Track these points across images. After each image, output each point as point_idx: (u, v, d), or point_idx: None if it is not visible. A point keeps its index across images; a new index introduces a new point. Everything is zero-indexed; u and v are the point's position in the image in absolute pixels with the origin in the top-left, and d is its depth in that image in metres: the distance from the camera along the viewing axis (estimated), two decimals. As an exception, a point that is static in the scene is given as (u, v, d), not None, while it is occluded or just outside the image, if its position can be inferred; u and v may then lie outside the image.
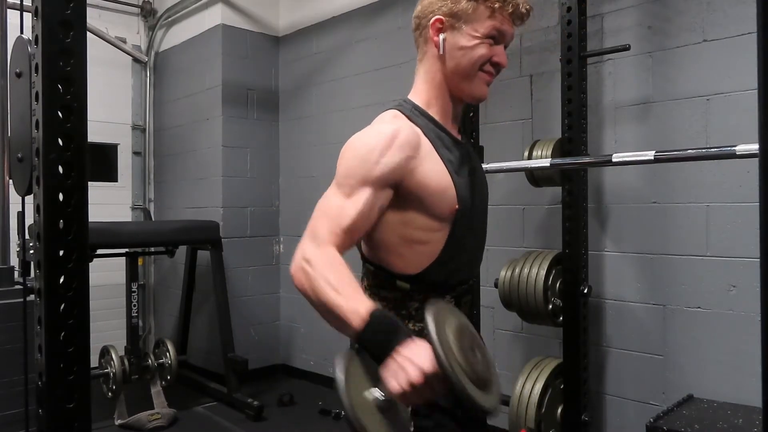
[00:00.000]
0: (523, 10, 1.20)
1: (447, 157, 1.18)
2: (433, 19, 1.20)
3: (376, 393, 0.91)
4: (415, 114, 1.21)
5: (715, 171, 2.38)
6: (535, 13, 2.96)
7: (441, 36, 1.20)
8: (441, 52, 1.21)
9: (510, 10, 1.18)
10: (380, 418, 0.90)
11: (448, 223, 1.17)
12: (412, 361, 0.91)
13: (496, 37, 1.19)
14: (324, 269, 1.03)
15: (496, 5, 1.17)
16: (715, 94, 2.39)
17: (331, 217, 1.10)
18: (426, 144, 1.17)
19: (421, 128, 1.18)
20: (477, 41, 1.18)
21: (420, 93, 1.25)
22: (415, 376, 0.89)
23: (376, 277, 1.21)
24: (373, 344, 0.96)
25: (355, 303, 0.99)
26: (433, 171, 1.15)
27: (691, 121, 2.45)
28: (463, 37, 1.19)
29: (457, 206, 1.16)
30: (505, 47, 1.23)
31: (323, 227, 1.09)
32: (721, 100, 2.37)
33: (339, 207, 1.10)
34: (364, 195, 1.10)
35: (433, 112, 1.23)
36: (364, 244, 1.23)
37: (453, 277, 1.23)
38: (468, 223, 1.20)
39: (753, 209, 2.24)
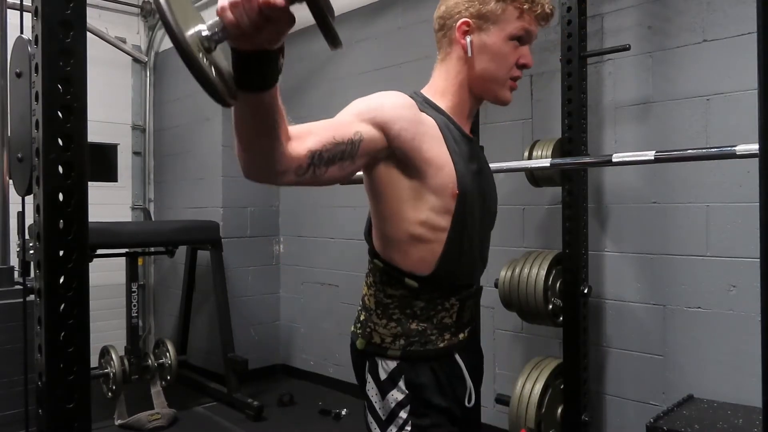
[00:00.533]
0: (548, 10, 1.20)
1: (453, 148, 1.17)
2: (460, 21, 1.20)
3: (201, 27, 0.79)
4: (425, 106, 1.20)
5: (715, 171, 2.38)
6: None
7: (468, 38, 1.19)
8: (469, 55, 1.20)
9: (538, 11, 1.18)
10: (204, 56, 0.78)
11: (451, 218, 1.16)
12: None
13: (523, 38, 1.20)
14: None
15: (525, 6, 1.17)
16: (715, 94, 2.39)
17: None
18: (431, 124, 1.16)
19: (430, 117, 1.17)
20: (505, 45, 1.19)
21: (435, 88, 1.24)
22: None
23: (385, 273, 1.21)
24: None
25: None
26: (432, 147, 1.13)
27: (691, 121, 2.45)
28: (491, 38, 1.19)
29: (457, 191, 1.15)
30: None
31: None
32: (721, 100, 2.37)
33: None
34: (342, 116, 1.09)
35: (446, 107, 1.22)
36: (376, 240, 1.22)
37: (458, 279, 1.23)
38: (470, 215, 1.19)
39: (753, 209, 2.24)
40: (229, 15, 0.77)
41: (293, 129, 0.99)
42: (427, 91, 1.25)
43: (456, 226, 1.17)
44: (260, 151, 0.94)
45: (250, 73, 0.84)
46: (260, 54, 0.82)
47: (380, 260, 1.21)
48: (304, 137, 1.00)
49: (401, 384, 1.19)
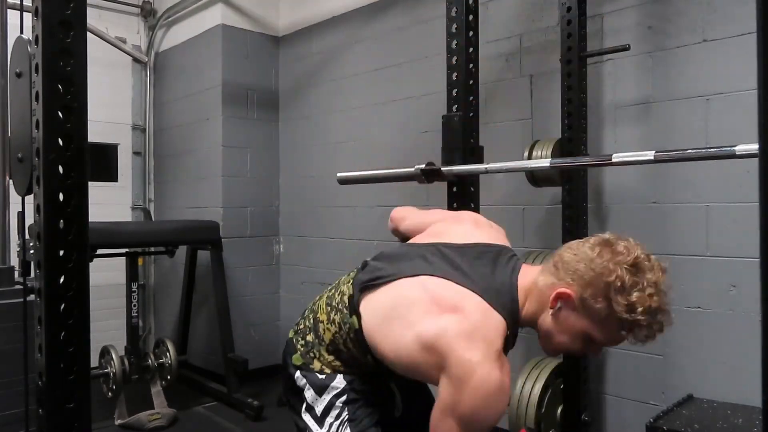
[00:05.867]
0: (650, 339, 1.15)
1: None
2: (565, 291, 1.15)
3: None
4: (511, 322, 1.22)
5: (715, 171, 2.38)
6: (535, 14, 2.96)
7: (558, 304, 1.17)
8: (551, 313, 1.19)
9: (641, 338, 1.13)
10: None
11: None
12: None
13: (606, 344, 1.16)
14: None
15: (635, 329, 1.12)
16: (715, 94, 2.39)
17: None
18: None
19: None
20: (583, 335, 1.16)
21: (528, 305, 1.26)
22: None
23: (359, 344, 1.27)
24: None
25: None
26: None
27: (691, 121, 2.45)
28: (578, 324, 1.15)
29: None
30: None
31: None
32: (721, 100, 2.37)
33: None
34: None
35: (521, 316, 1.26)
36: (375, 347, 1.25)
37: None
38: None
39: (753, 209, 2.23)
40: None
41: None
42: (521, 298, 1.24)
43: None
44: None
45: None
46: None
47: (364, 339, 1.25)
48: None
49: (337, 381, 1.29)
